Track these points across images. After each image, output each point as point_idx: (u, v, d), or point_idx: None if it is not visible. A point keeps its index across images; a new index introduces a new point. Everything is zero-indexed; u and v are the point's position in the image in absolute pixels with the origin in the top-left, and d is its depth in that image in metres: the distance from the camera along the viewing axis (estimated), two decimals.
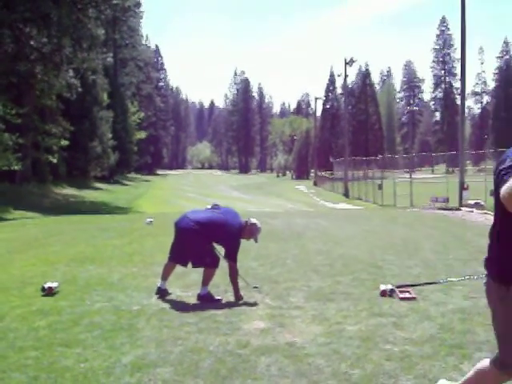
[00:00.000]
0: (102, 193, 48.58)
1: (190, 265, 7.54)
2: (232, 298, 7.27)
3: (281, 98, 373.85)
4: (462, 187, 26.16)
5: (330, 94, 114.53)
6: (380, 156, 47.85)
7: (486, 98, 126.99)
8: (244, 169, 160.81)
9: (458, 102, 62.86)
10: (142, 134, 78.64)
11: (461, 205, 25.37)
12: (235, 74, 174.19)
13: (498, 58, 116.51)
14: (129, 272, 9.22)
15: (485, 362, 3.44)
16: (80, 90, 39.03)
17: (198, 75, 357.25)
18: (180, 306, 6.99)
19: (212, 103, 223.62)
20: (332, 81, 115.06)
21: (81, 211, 29.07)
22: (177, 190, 60.32)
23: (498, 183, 2.86)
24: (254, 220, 7.52)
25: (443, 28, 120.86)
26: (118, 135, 59.52)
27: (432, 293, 7.59)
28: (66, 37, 32.34)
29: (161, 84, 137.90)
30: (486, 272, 3.33)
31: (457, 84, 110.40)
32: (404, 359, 5.03)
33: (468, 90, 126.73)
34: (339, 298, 7.33)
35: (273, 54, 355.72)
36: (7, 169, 29.86)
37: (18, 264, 10.18)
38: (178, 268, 7.88)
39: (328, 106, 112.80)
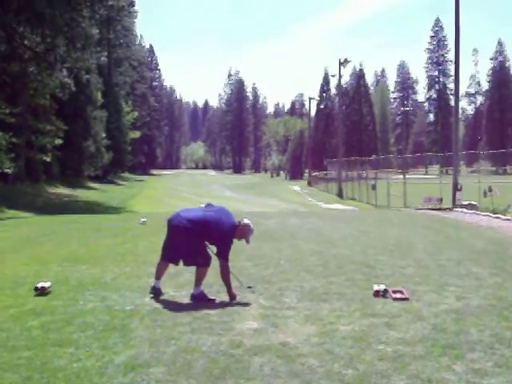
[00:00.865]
0: (95, 192, 48.46)
1: (182, 264, 7.54)
2: (225, 298, 7.27)
3: (275, 98, 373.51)
4: (456, 188, 26.20)
5: (324, 95, 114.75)
6: (374, 156, 47.91)
7: (479, 99, 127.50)
8: (238, 169, 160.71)
9: (452, 102, 62.95)
10: (135, 134, 78.54)
11: (454, 205, 25.41)
12: (229, 74, 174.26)
13: (491, 59, 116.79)
14: (122, 272, 9.20)
15: None
16: (74, 89, 38.95)
17: (192, 75, 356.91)
18: (173, 306, 6.98)
19: (206, 103, 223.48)
20: (326, 81, 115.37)
21: (74, 211, 28.99)
22: (170, 190, 60.26)
23: None
24: (247, 221, 7.52)
25: (437, 29, 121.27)
26: (112, 135, 59.40)
27: (425, 293, 7.61)
28: (60, 36, 32.19)
29: (155, 83, 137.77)
30: None
31: (451, 85, 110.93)
32: (397, 359, 5.05)
33: (462, 91, 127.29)
34: (332, 299, 7.34)
35: (267, 55, 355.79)
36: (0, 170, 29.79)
37: (11, 264, 10.16)
38: (171, 268, 7.88)
39: (322, 107, 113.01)
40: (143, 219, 17.55)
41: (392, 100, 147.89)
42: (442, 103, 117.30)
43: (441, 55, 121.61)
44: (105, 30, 68.94)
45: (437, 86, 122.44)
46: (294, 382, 4.57)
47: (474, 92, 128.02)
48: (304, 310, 6.80)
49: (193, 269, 7.46)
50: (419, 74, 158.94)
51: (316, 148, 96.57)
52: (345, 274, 8.99)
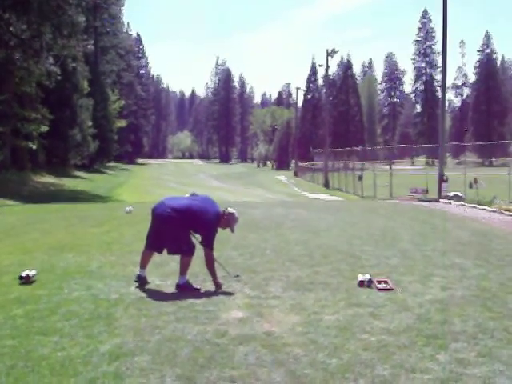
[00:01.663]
0: (81, 181, 48.18)
1: (166, 252, 7.53)
2: (211, 287, 7.28)
3: (262, 88, 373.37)
4: (442, 179, 26.35)
5: (311, 85, 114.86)
6: (360, 147, 47.99)
7: (466, 91, 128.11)
8: (225, 158, 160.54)
9: (439, 94, 63.22)
10: (122, 123, 78.07)
11: (440, 196, 25.56)
12: (217, 63, 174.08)
13: (478, 51, 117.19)
14: (107, 261, 9.18)
15: None
16: (60, 77, 38.52)
17: (179, 64, 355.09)
18: (158, 295, 6.98)
19: (193, 92, 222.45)
20: (314, 71, 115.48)
21: (60, 199, 28.82)
22: (157, 180, 60.04)
23: None
24: (231, 210, 7.53)
25: (425, 20, 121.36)
26: (99, 123, 59.02)
27: (410, 284, 7.65)
28: (46, 23, 31.92)
29: (142, 72, 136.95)
30: None
31: (438, 76, 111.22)
32: (381, 349, 5.08)
33: (449, 82, 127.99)
34: (317, 288, 7.36)
35: (255, 44, 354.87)
36: None
37: None
38: (157, 257, 7.87)
39: (309, 97, 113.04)
40: (129, 208, 17.54)
41: (379, 91, 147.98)
42: (429, 95, 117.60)
43: (428, 47, 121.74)
44: (91, 17, 68.18)
45: (424, 78, 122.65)
46: (278, 371, 4.59)
47: (460, 84, 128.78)
48: (289, 299, 6.82)
49: (178, 258, 7.45)
50: (407, 65, 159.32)
51: (303, 138, 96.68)
52: (330, 263, 9.01)
